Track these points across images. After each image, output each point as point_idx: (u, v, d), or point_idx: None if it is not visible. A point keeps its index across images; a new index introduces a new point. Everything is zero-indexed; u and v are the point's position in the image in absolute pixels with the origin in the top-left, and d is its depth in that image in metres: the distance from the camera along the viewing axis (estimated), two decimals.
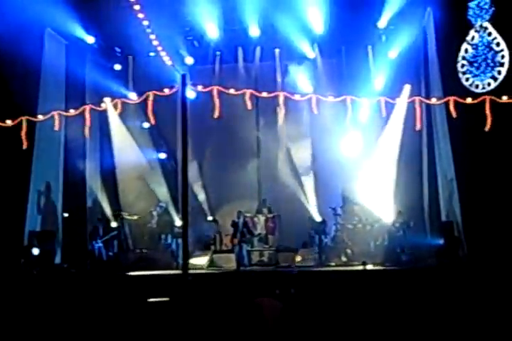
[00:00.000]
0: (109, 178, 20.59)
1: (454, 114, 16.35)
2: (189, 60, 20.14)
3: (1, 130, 17.35)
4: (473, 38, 16.50)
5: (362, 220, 18.83)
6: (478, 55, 16.37)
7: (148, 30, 17.87)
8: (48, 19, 17.63)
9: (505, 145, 15.70)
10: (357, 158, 19.20)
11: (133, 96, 19.12)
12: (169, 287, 11.98)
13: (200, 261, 18.28)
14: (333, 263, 17.94)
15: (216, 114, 17.62)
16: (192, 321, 8.61)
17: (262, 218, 19.73)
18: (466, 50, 16.55)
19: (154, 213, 19.83)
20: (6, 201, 17.01)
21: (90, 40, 19.63)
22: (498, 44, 16.18)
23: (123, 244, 19.77)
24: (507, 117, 15.67)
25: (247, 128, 20.48)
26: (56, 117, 17.94)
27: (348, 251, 18.23)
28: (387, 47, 19.25)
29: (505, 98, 15.94)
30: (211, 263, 18.58)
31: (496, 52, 16.19)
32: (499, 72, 16.15)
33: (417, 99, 17.65)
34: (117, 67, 20.88)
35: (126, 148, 20.20)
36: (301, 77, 19.90)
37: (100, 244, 18.39)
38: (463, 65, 16.58)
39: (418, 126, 17.82)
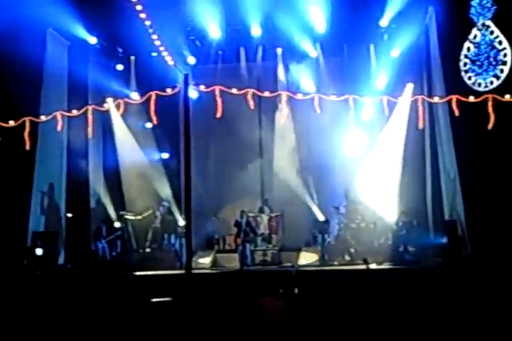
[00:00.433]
0: (112, 178, 20.59)
1: (456, 113, 16.36)
2: (191, 60, 20.17)
3: (4, 131, 17.39)
4: (475, 36, 16.48)
5: (365, 219, 18.78)
6: (480, 53, 16.35)
7: (151, 30, 17.85)
8: (50, 20, 17.66)
9: (508, 144, 15.69)
10: (360, 156, 19.20)
11: (135, 97, 19.14)
12: (173, 287, 12.00)
13: (203, 261, 18.30)
14: (336, 263, 17.92)
15: (218, 114, 17.65)
16: (195, 321, 8.61)
17: (265, 217, 19.72)
18: (469, 49, 16.53)
19: (158, 213, 19.83)
20: (10, 202, 17.03)
21: (92, 40, 19.66)
22: (500, 42, 16.17)
23: (126, 244, 19.80)
24: (510, 115, 15.67)
25: (249, 128, 20.45)
26: (59, 118, 17.98)
27: (352, 250, 18.19)
28: (389, 46, 19.24)
29: (507, 96, 15.96)
30: (214, 262, 18.60)
31: (499, 51, 16.17)
32: (502, 71, 16.14)
33: (419, 97, 17.66)
34: (119, 67, 20.86)
35: (129, 148, 20.21)
36: (303, 76, 19.90)
37: (104, 244, 18.41)
38: (465, 64, 16.55)
39: (421, 125, 17.83)
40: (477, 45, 16.39)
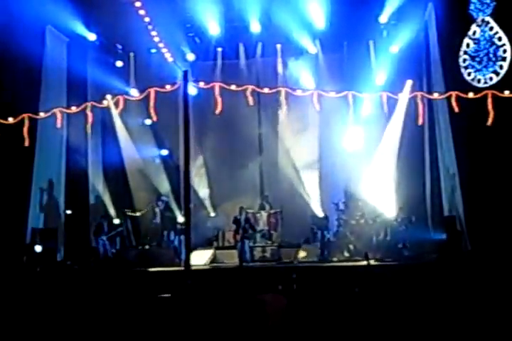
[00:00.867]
0: (112, 175, 20.59)
1: (456, 109, 16.36)
2: (190, 57, 20.16)
3: (3, 127, 17.36)
4: (474, 32, 16.46)
5: (364, 215, 18.80)
6: (480, 49, 16.34)
7: (150, 27, 17.88)
8: (49, 16, 17.64)
9: (508, 140, 15.70)
10: (359, 153, 19.18)
11: (135, 93, 19.10)
12: (172, 283, 12.00)
13: (202, 257, 18.30)
14: (335, 259, 17.93)
15: (218, 110, 17.63)
16: (194, 317, 8.62)
17: (264, 214, 19.73)
18: (468, 45, 16.51)
19: (157, 209, 19.82)
20: (9, 198, 17.01)
21: (91, 37, 19.61)
22: (499, 38, 16.15)
23: (126, 240, 19.80)
24: (509, 111, 15.67)
25: (248, 124, 20.47)
26: (58, 114, 17.94)
27: (351, 246, 18.20)
28: (388, 42, 19.23)
29: (507, 92, 15.95)
30: (214, 259, 18.60)
31: (498, 47, 16.16)
32: (501, 67, 16.13)
33: (419, 94, 17.64)
34: (119, 63, 20.83)
35: (128, 144, 20.21)
36: (302, 73, 19.89)
37: (105, 241, 18.40)
38: (465, 60, 16.54)
39: (420, 121, 17.82)
40: (476, 41, 16.38)
